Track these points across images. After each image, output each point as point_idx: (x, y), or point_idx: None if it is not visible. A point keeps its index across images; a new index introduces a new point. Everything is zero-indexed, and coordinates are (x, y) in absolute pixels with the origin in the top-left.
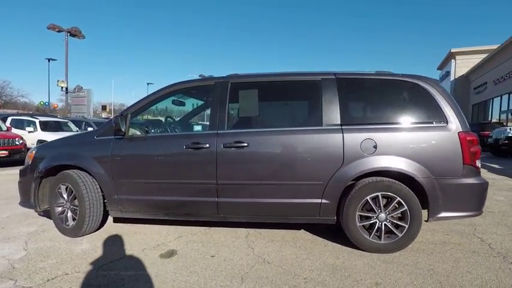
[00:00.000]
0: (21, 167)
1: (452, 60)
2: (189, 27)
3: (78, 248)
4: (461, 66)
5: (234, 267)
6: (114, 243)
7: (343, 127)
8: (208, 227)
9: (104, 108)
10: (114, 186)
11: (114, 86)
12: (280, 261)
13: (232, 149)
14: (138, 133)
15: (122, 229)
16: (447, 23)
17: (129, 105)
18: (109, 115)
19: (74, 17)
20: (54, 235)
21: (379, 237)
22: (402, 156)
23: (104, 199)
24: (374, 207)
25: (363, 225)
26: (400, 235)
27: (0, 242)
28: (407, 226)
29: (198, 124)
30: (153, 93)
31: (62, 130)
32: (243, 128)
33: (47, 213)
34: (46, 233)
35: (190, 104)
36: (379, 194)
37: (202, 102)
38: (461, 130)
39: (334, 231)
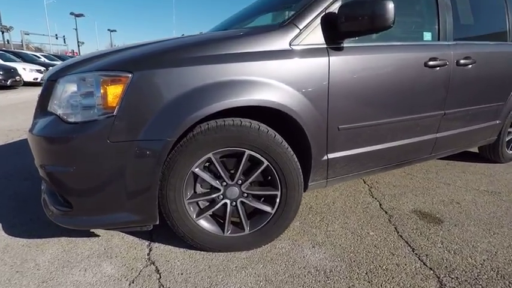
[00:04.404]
0: (58, 130)
1: None
2: None
3: (313, 258)
4: None
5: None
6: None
7: None
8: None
9: None
10: (327, 139)
11: None
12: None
13: (461, 67)
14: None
15: None
16: None
17: None
18: None
19: None
20: (206, 260)
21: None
22: None
23: None
24: None
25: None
26: None
27: None
28: None
29: (426, 30)
30: None
31: None
32: (461, 40)
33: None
34: (181, 262)
35: None
36: None
37: None
38: None
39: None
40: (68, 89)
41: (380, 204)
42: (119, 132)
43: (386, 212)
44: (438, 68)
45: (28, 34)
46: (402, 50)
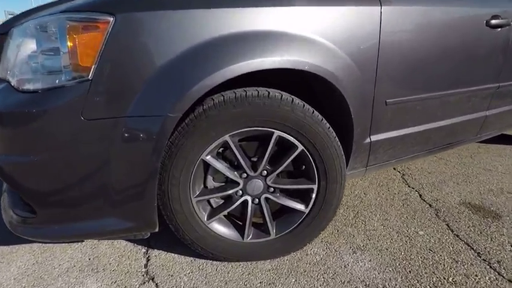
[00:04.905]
0: (11, 102)
1: None
2: None
3: (357, 268)
4: None
5: None
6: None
7: None
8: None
9: None
10: (372, 116)
11: None
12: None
13: None
14: None
15: None
16: None
17: None
18: None
19: None
20: (221, 274)
21: None
22: None
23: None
24: None
25: None
26: None
27: None
28: None
29: None
30: None
31: None
32: None
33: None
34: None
35: None
36: None
37: None
38: None
39: None
40: (22, 43)
41: (420, 195)
42: (97, 104)
43: (430, 205)
44: (499, 29)
45: (12, 15)
46: (464, 3)
